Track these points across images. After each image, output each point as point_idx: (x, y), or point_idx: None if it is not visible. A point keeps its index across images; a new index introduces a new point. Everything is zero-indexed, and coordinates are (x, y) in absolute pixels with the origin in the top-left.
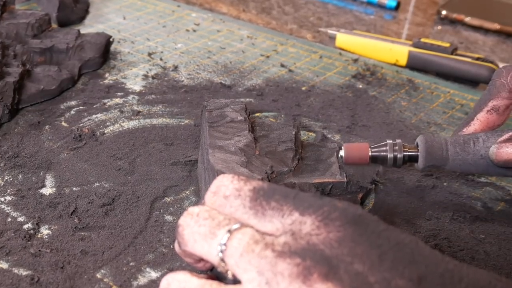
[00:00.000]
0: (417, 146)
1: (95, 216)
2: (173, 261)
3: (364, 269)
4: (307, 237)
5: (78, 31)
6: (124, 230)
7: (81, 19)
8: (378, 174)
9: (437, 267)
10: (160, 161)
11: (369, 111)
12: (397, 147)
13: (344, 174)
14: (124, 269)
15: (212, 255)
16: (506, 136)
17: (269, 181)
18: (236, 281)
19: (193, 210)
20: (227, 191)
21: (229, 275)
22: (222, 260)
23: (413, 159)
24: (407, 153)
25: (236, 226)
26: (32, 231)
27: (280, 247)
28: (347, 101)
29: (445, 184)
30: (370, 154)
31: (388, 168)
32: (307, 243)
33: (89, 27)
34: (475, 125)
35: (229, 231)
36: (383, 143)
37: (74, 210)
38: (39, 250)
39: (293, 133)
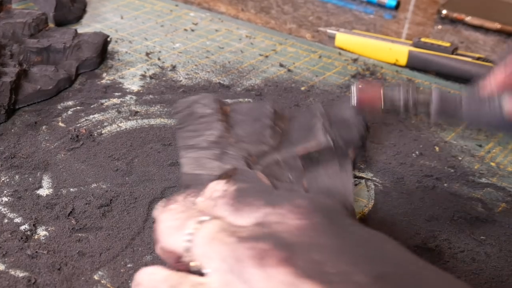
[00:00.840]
0: (430, 92)
1: (92, 217)
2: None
3: (323, 259)
4: (271, 226)
5: (75, 30)
6: (121, 232)
7: (78, 18)
8: (368, 129)
9: (398, 267)
10: (158, 162)
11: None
12: (410, 91)
13: (329, 137)
14: (121, 270)
15: (179, 246)
16: None
17: (248, 166)
18: (200, 273)
19: (170, 206)
20: (216, 193)
21: (192, 266)
22: (188, 250)
23: (426, 104)
24: (421, 97)
25: (206, 217)
26: (29, 232)
27: (244, 234)
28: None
29: (445, 184)
30: (381, 91)
31: (399, 115)
32: (271, 231)
33: (86, 27)
34: (491, 83)
35: (199, 222)
36: (396, 85)
37: (71, 211)
38: (36, 252)
39: (270, 109)
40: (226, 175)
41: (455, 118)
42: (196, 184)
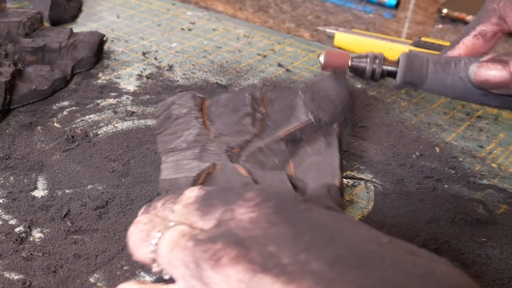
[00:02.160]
0: (398, 61)
1: (88, 219)
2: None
3: (278, 250)
4: (226, 224)
5: (71, 30)
6: (118, 234)
7: (73, 17)
8: (352, 101)
9: (357, 248)
10: (155, 163)
11: (368, 112)
12: (377, 60)
13: (311, 113)
14: (118, 273)
15: (146, 258)
16: (489, 56)
17: (230, 159)
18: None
19: (137, 218)
20: (189, 199)
21: (164, 275)
22: (154, 260)
23: (392, 74)
24: (386, 67)
25: (171, 224)
26: (23, 235)
27: (201, 236)
28: None
29: (446, 186)
30: (349, 63)
31: (365, 81)
32: (225, 229)
33: (82, 26)
34: (460, 49)
35: (159, 231)
36: (365, 54)
37: (66, 213)
38: (31, 254)
39: (248, 96)
40: (205, 173)
41: (420, 86)
42: (174, 189)
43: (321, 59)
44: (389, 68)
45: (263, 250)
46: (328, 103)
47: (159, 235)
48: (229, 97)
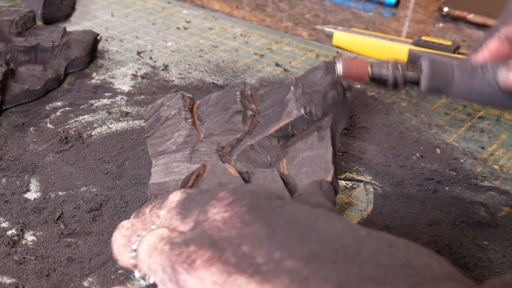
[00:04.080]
0: (420, 68)
1: (82, 222)
2: None
3: (252, 250)
4: (201, 225)
5: (64, 28)
6: (112, 237)
7: (67, 16)
8: (347, 88)
9: (332, 243)
10: (150, 165)
11: (368, 112)
12: (399, 66)
13: (302, 107)
14: (112, 277)
15: (128, 263)
16: None
17: (221, 159)
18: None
19: (120, 224)
20: (172, 204)
21: (148, 280)
22: (135, 266)
23: (415, 81)
24: (410, 73)
25: (153, 227)
26: (16, 238)
27: (178, 239)
28: None
29: (447, 188)
30: (369, 72)
31: (388, 90)
32: (200, 231)
33: (75, 25)
34: (484, 54)
35: (138, 236)
36: (385, 61)
37: (60, 216)
38: (24, 257)
39: (237, 93)
40: (195, 175)
41: (446, 93)
42: (163, 193)
43: (339, 68)
44: (412, 75)
45: (237, 251)
46: (320, 96)
47: (138, 240)
48: (219, 95)
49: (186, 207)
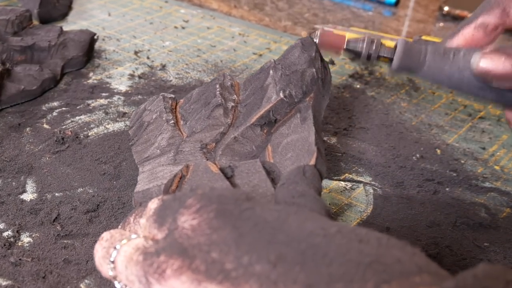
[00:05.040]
0: (395, 47)
1: (78, 223)
2: None
3: (221, 256)
4: (172, 233)
5: (61, 28)
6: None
7: (63, 15)
8: (321, 60)
9: (299, 243)
10: None
11: (367, 113)
12: (373, 46)
13: (281, 91)
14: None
15: (108, 275)
16: (491, 47)
17: (206, 156)
18: None
19: (101, 235)
20: (150, 212)
21: None
22: (115, 277)
23: (388, 57)
24: (382, 53)
25: (125, 240)
26: (12, 239)
27: (151, 249)
28: (344, 102)
29: (447, 189)
30: (345, 46)
31: (361, 62)
32: (171, 239)
33: (72, 24)
34: (458, 40)
35: (115, 248)
36: (362, 37)
37: (56, 217)
38: (20, 259)
39: (217, 86)
40: (178, 178)
41: (416, 73)
42: (147, 200)
43: (316, 38)
44: (385, 53)
45: (206, 258)
46: (298, 76)
47: (115, 252)
48: (200, 91)
49: (162, 215)
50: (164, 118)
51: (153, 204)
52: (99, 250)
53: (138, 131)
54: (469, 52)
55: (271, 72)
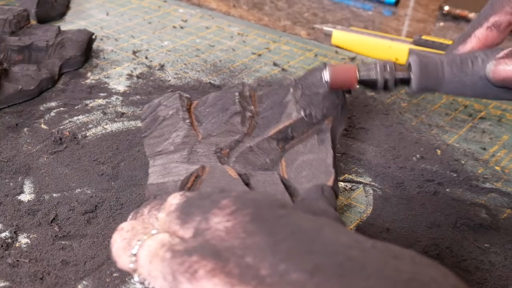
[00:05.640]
0: (409, 67)
1: (76, 224)
2: None
3: (256, 261)
4: (202, 234)
5: (59, 27)
6: (107, 239)
7: (61, 15)
8: (346, 92)
9: (337, 255)
10: (145, 166)
11: (367, 113)
12: (388, 68)
13: (301, 109)
14: (107, 280)
15: (127, 267)
16: (505, 52)
17: (220, 160)
18: None
19: (120, 225)
20: (171, 207)
21: (147, 285)
22: (135, 270)
23: (406, 81)
24: (399, 75)
25: (153, 231)
26: (9, 240)
27: (179, 247)
28: None
29: (447, 190)
30: (358, 76)
31: (378, 92)
32: (202, 239)
33: (70, 24)
34: (472, 43)
35: (139, 240)
36: (372, 64)
37: (54, 218)
38: (17, 260)
39: (236, 94)
40: (194, 177)
41: (437, 90)
42: (162, 194)
43: (326, 76)
44: (402, 75)
45: (240, 262)
46: (319, 98)
47: (139, 244)
48: (217, 96)
49: (186, 212)
50: (180, 116)
51: (174, 199)
52: (118, 241)
53: (151, 125)
54: (487, 56)
55: (291, 89)
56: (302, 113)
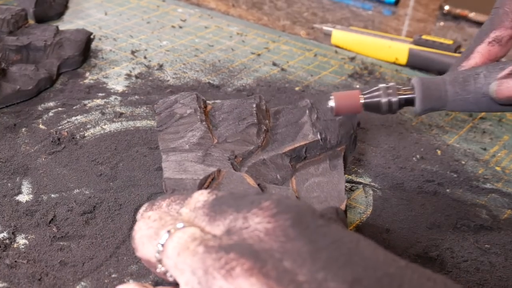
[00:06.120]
0: (413, 88)
1: (75, 225)
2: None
3: (294, 266)
4: (238, 232)
5: (57, 27)
6: (105, 240)
7: (59, 14)
8: (358, 124)
9: (376, 270)
10: (144, 166)
11: (367, 113)
12: (391, 91)
13: (318, 132)
14: (105, 281)
15: (152, 256)
16: (506, 71)
17: (233, 167)
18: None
19: (147, 213)
20: (198, 203)
21: (168, 277)
22: (160, 260)
23: (410, 102)
24: (403, 96)
25: (180, 225)
26: (7, 241)
27: (212, 242)
28: None
29: (447, 190)
30: (362, 101)
31: (383, 115)
32: (238, 238)
33: (68, 23)
34: (475, 59)
35: (169, 231)
36: (375, 87)
37: (52, 219)
38: (15, 261)
39: (254, 106)
40: (211, 178)
41: (442, 109)
42: (180, 189)
43: (331, 103)
44: (406, 96)
45: (278, 265)
46: (336, 125)
47: (167, 235)
48: (232, 104)
49: (216, 210)
50: (198, 117)
51: (201, 196)
52: (143, 228)
53: (167, 120)
54: (489, 72)
55: (307, 111)
56: (318, 136)
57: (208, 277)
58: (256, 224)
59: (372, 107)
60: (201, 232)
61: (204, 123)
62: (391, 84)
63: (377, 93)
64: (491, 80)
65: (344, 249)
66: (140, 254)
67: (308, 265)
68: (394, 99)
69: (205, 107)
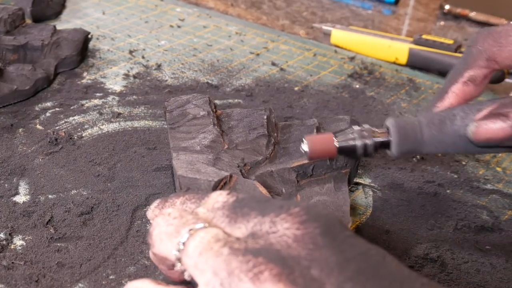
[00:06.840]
0: (388, 130)
1: (72, 226)
2: (156, 274)
3: (322, 275)
4: (265, 237)
5: (54, 27)
6: (103, 241)
7: (57, 14)
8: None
9: (402, 284)
10: (142, 167)
11: (367, 113)
12: (366, 133)
13: None
14: (103, 282)
15: (171, 254)
16: (484, 112)
17: (242, 174)
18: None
19: (166, 210)
20: (217, 204)
21: (186, 276)
22: (179, 259)
23: (386, 145)
24: (379, 139)
25: (201, 225)
26: (4, 242)
27: (238, 245)
28: (343, 102)
29: (448, 191)
30: (337, 145)
31: (358, 159)
32: (265, 242)
33: (65, 23)
34: (450, 99)
35: (191, 230)
36: (349, 129)
37: (49, 219)
38: (12, 263)
39: (265, 117)
40: (223, 182)
41: (419, 152)
42: (194, 189)
43: (305, 147)
44: (381, 140)
45: (306, 273)
46: None
47: (189, 234)
48: (242, 112)
49: (237, 212)
50: (211, 120)
51: (220, 197)
52: (162, 225)
53: (179, 119)
54: (465, 113)
55: (315, 131)
56: None
57: (233, 279)
58: (285, 229)
59: (347, 151)
60: (224, 233)
61: (216, 127)
62: (365, 126)
63: (351, 136)
64: (468, 122)
65: (372, 261)
66: (156, 250)
67: (335, 275)
68: (369, 142)
69: (216, 111)
